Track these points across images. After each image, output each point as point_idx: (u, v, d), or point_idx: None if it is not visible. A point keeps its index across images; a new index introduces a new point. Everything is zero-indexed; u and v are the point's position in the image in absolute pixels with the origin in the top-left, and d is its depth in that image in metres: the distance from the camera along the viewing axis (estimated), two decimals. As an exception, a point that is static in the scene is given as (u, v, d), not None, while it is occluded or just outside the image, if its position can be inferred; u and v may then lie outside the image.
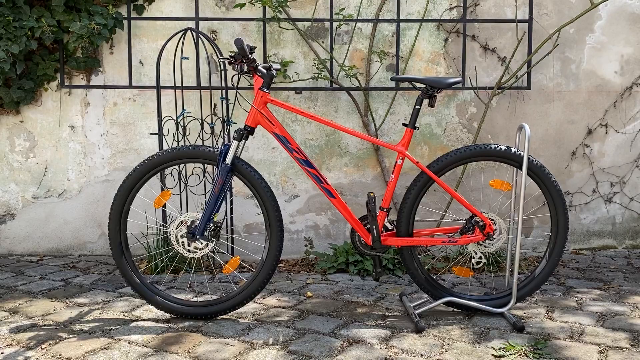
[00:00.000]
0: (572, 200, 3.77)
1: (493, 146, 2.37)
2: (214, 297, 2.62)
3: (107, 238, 3.66)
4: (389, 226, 2.43)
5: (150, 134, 3.33)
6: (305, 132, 3.63)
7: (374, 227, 2.33)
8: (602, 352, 2.06)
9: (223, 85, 3.35)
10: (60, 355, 2.05)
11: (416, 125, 2.39)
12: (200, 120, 3.24)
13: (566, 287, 2.88)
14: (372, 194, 2.35)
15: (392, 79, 2.43)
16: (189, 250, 2.35)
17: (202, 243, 2.34)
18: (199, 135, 3.24)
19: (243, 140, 2.33)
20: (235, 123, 3.36)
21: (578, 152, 3.76)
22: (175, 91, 3.37)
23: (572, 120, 3.73)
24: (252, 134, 2.36)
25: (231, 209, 3.39)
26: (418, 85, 2.37)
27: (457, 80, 2.36)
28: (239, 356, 2.03)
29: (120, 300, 2.67)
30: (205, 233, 2.32)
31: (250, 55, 2.24)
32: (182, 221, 2.35)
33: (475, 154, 2.35)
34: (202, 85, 3.44)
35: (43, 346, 2.13)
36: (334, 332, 2.25)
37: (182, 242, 2.34)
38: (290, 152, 2.37)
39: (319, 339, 2.17)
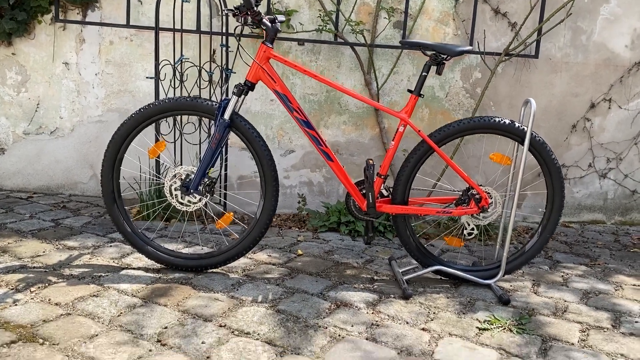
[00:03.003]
0: (567, 174, 3.77)
1: (497, 119, 2.33)
2: (206, 249, 2.62)
3: (98, 179, 3.63)
4: (385, 192, 2.41)
5: (147, 77, 3.24)
6: (306, 87, 3.56)
7: (370, 194, 2.31)
8: (584, 331, 2.10)
9: (224, 31, 3.24)
10: (49, 299, 2.05)
11: (421, 92, 2.33)
12: (198, 67, 3.15)
13: (553, 261, 2.91)
14: (370, 161, 2.32)
15: (400, 43, 2.35)
16: (182, 203, 2.33)
17: (195, 197, 2.31)
18: (196, 83, 3.16)
19: (243, 96, 2.27)
20: (235, 72, 3.27)
21: (579, 125, 3.72)
22: (174, 34, 3.26)
23: (577, 92, 3.68)
24: (252, 90, 2.30)
25: (226, 165, 3.36)
26: (427, 51, 2.29)
27: (468, 49, 2.29)
28: (228, 312, 2.04)
29: (111, 246, 2.67)
30: (199, 188, 2.29)
31: (255, 8, 2.15)
32: (176, 174, 2.31)
33: (478, 126, 2.31)
34: (202, 29, 3.33)
35: (32, 289, 2.13)
36: (323, 294, 2.27)
37: (176, 195, 2.32)
38: (291, 111, 2.32)
39: (308, 300, 2.19)
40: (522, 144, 2.33)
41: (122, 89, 3.57)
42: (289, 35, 3.44)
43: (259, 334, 1.90)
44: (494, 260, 2.58)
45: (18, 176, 3.65)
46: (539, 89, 3.63)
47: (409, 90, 2.34)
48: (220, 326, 1.94)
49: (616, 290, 2.54)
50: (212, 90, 3.22)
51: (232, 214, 2.40)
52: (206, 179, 2.30)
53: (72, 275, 2.30)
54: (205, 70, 3.17)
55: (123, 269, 2.41)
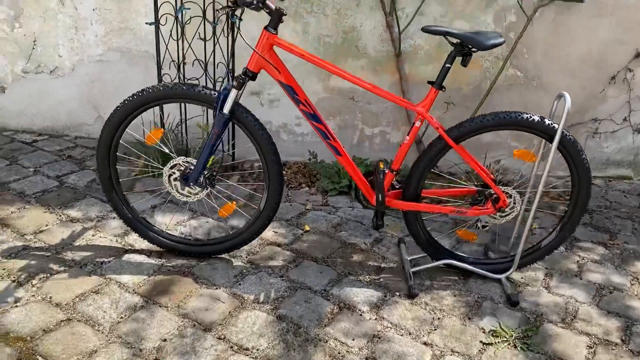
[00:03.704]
0: (598, 128, 3.51)
1: (525, 116, 2.10)
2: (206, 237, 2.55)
3: (104, 121, 3.49)
4: (396, 185, 2.26)
5: (147, 23, 2.96)
6: (320, 27, 3.25)
7: (380, 194, 2.16)
8: (591, 347, 2.05)
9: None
10: (50, 298, 2.05)
11: (443, 85, 2.08)
12: (202, 9, 2.83)
13: (570, 238, 2.80)
14: (381, 165, 2.15)
15: (422, 30, 2.05)
16: (181, 194, 2.22)
17: (195, 189, 2.20)
18: (197, 33, 2.88)
19: (244, 87, 2.05)
20: (242, 20, 2.97)
21: (619, 76, 3.39)
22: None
23: (622, 40, 3.30)
24: (254, 79, 2.07)
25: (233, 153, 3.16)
26: (452, 40, 2.01)
27: (501, 42, 1.99)
28: (229, 318, 2.03)
29: (114, 218, 2.62)
30: (200, 180, 2.17)
31: (256, 1, 1.86)
32: (175, 164, 2.18)
33: (503, 123, 2.09)
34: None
35: (34, 282, 2.13)
36: (326, 290, 2.23)
37: (175, 185, 2.20)
38: (297, 103, 2.11)
39: (310, 300, 2.16)
40: (551, 142, 2.12)
41: (123, 26, 3.30)
42: (302, -28, 3.07)
43: (258, 350, 1.89)
44: (507, 250, 2.48)
45: (22, 116, 3.53)
46: (579, 35, 3.26)
47: (429, 82, 2.09)
48: (220, 339, 1.93)
49: (632, 284, 2.45)
50: (215, 43, 2.95)
51: (234, 203, 2.30)
52: (206, 171, 2.17)
53: (74, 261, 2.28)
54: (208, 21, 2.88)
55: (126, 251, 2.38)
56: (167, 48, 2.92)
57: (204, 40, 2.91)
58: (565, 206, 2.32)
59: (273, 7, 1.96)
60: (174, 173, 2.19)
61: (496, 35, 2.00)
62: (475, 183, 2.29)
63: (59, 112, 3.51)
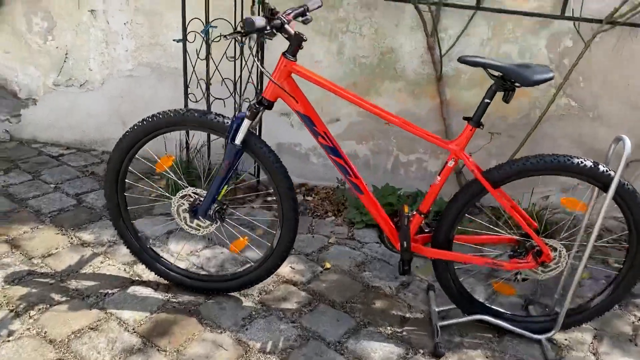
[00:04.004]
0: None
1: (575, 161, 1.83)
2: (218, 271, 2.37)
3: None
4: (425, 228, 2.03)
5: (174, 40, 2.84)
6: (357, 47, 3.05)
7: (404, 241, 1.94)
8: None
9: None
10: (45, 332, 1.93)
11: (481, 122, 1.84)
12: (226, 37, 2.70)
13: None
14: (406, 209, 1.92)
15: (459, 60, 1.82)
16: (190, 226, 2.07)
17: (205, 222, 2.04)
18: (225, 55, 2.74)
19: (259, 117, 1.87)
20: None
21: (689, 110, 3.03)
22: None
23: (694, 69, 2.95)
24: (270, 108, 1.90)
25: (259, 133, 2.99)
26: (493, 72, 1.77)
27: (549, 77, 1.74)
28: (230, 369, 1.84)
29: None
30: (209, 213, 2.01)
31: (269, 28, 1.68)
32: (185, 195, 2.03)
33: (550, 168, 1.83)
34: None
35: (32, 313, 2.01)
36: (341, 343, 2.01)
37: (184, 217, 2.05)
38: (315, 135, 1.92)
39: (322, 354, 1.95)
40: (605, 191, 1.84)
41: (153, 41, 3.21)
42: (338, -11, 2.89)
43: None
44: (551, 306, 2.20)
45: (52, 129, 3.49)
46: (644, 64, 2.94)
47: (465, 119, 1.86)
48: (217, 395, 1.74)
49: (697, 355, 2.12)
50: (242, 63, 2.80)
51: (246, 238, 2.13)
52: (216, 205, 2.01)
53: (77, 291, 2.15)
54: (237, 41, 2.73)
55: (132, 282, 2.24)
56: (193, 66, 2.79)
57: (234, 59, 2.76)
58: (622, 256, 2.03)
59: (292, 32, 1.78)
60: (183, 204, 2.03)
61: (545, 69, 1.75)
62: (516, 231, 2.03)
63: (88, 126, 3.45)
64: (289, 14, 1.84)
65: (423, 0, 2.81)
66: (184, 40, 2.73)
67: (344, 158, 1.94)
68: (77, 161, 3.28)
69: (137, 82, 3.31)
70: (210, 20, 2.77)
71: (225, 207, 2.01)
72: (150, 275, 2.27)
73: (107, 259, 2.38)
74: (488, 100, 1.80)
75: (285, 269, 2.42)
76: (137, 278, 2.27)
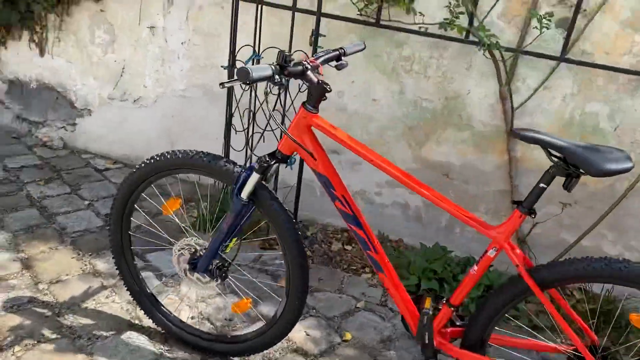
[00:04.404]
0: None
1: (650, 271, 1.43)
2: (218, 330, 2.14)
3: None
4: (457, 321, 1.70)
5: (222, 67, 2.68)
6: (419, 89, 2.75)
7: (427, 334, 1.62)
8: None
9: (317, 9, 2.52)
10: (21, 374, 1.78)
11: (534, 209, 1.49)
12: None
13: None
14: (427, 304, 1.60)
15: (511, 133, 1.49)
16: (190, 279, 1.86)
17: (205, 277, 1.82)
18: (267, 88, 2.54)
19: (273, 169, 1.63)
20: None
21: None
22: (257, 6, 2.58)
23: None
24: (285, 162, 1.65)
25: (301, 168, 2.75)
26: (554, 152, 1.42)
27: (627, 168, 1.37)
28: None
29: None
30: (210, 268, 1.79)
31: (278, 78, 1.44)
32: (186, 245, 1.83)
33: (618, 277, 1.44)
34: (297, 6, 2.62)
35: (16, 349, 1.89)
36: None
37: (184, 268, 1.85)
38: (333, 199, 1.65)
39: None
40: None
41: (208, 63, 3.09)
42: (403, 24, 2.61)
43: None
44: None
45: (103, 141, 3.46)
46: None
47: (515, 203, 1.52)
48: None
49: None
50: (287, 99, 2.58)
51: (249, 300, 1.89)
52: (217, 260, 1.79)
53: (70, 329, 2.01)
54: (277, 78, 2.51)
55: (130, 326, 2.07)
56: (234, 94, 2.62)
57: (278, 94, 2.56)
58: None
59: (315, 80, 1.52)
60: (184, 254, 1.83)
61: (621, 156, 1.38)
62: (565, 341, 1.65)
63: (137, 142, 3.39)
64: (318, 58, 1.60)
65: (500, 45, 2.46)
66: (229, 67, 2.56)
67: (365, 229, 1.65)
68: (119, 177, 3.21)
69: (189, 103, 3.20)
70: (260, 48, 2.60)
71: (227, 264, 1.79)
72: (150, 322, 2.09)
73: (113, 294, 2.23)
74: (544, 186, 1.45)
75: (299, 334, 2.15)
76: (136, 322, 2.10)
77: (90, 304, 2.15)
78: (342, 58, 1.67)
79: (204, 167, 1.72)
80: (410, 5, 2.58)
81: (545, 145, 1.41)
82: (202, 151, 1.73)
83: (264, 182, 1.66)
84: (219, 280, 1.80)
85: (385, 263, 1.68)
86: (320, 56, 1.62)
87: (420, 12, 2.57)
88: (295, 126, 1.59)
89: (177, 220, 1.95)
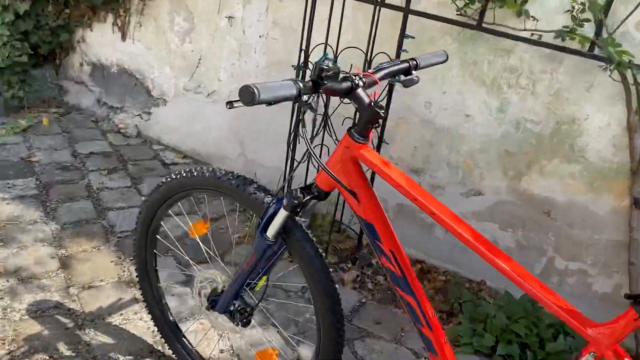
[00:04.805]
0: None
1: None
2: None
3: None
4: None
5: (292, 66, 2.38)
6: (524, 108, 2.29)
7: None
8: None
9: (404, 4, 2.15)
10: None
11: (659, 309, 1.04)
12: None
13: None
14: None
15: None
16: (211, 318, 1.58)
17: (225, 319, 1.54)
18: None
19: (308, 206, 1.30)
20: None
21: None
22: (332, 2, 2.23)
23: None
24: (323, 199, 1.31)
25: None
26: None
27: None
28: None
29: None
30: (231, 309, 1.50)
31: (306, 99, 1.09)
32: (208, 278, 1.55)
33: None
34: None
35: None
36: None
37: (203, 302, 1.57)
38: (380, 253, 1.28)
39: None
40: None
41: (285, 59, 2.80)
42: (510, 29, 2.15)
43: None
44: None
45: (175, 133, 3.32)
46: None
47: (629, 297, 1.06)
48: None
49: None
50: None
51: (276, 350, 1.57)
52: (238, 303, 1.49)
53: (87, 346, 1.83)
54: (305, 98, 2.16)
55: (151, 352, 1.85)
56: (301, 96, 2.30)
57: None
58: None
59: (367, 101, 1.16)
60: (205, 287, 1.56)
61: None
62: None
63: (207, 138, 3.20)
64: (378, 70, 1.24)
65: (633, 65, 1.94)
66: (298, 67, 2.26)
67: (417, 296, 1.27)
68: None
69: (261, 102, 2.94)
70: (339, 48, 2.26)
71: (251, 311, 1.48)
72: (169, 351, 1.85)
73: (142, 310, 2.02)
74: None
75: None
76: (159, 348, 1.87)
77: (115, 319, 1.96)
78: (413, 72, 1.29)
79: (230, 191, 1.42)
80: (522, 7, 2.11)
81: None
82: (232, 172, 1.44)
83: (297, 218, 1.33)
84: (239, 325, 1.51)
85: (441, 345, 1.28)
86: (383, 68, 1.25)
87: (533, 17, 2.09)
88: (336, 157, 1.24)
89: (202, 246, 1.67)
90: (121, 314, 1.99)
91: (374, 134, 1.24)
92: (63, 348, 1.80)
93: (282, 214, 1.29)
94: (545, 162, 2.32)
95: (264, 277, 1.50)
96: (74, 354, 1.79)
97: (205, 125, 3.18)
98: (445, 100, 2.45)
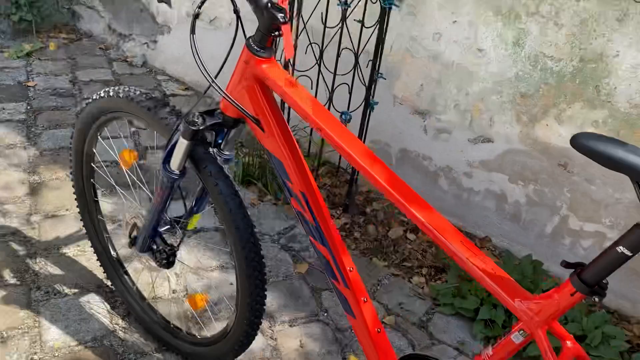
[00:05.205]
0: None
1: None
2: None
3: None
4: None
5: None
6: (544, 42, 1.97)
7: None
8: None
9: None
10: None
11: (605, 283, 0.79)
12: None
13: None
14: None
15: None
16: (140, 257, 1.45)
17: (148, 258, 1.40)
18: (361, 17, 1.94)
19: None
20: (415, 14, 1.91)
21: None
22: None
23: None
24: (233, 127, 1.10)
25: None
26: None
27: None
28: None
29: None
30: (152, 247, 1.36)
31: None
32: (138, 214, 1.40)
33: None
34: None
35: None
36: None
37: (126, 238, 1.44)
38: (289, 194, 1.06)
39: None
40: None
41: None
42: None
43: None
44: None
45: (179, 63, 3.16)
46: None
47: (566, 265, 0.81)
48: None
49: None
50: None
51: (206, 296, 1.43)
52: (159, 242, 1.34)
53: (35, 276, 1.75)
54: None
55: (98, 288, 1.76)
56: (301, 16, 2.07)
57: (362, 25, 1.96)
58: None
59: (264, 1, 0.92)
60: (129, 222, 1.41)
61: None
62: None
63: (210, 68, 3.01)
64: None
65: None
66: None
67: (330, 247, 1.06)
68: (182, 106, 2.88)
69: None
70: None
71: (173, 251, 1.33)
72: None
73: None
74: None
75: (293, 342, 1.67)
76: (107, 283, 1.77)
77: (70, 251, 1.87)
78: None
79: (143, 115, 1.24)
80: None
81: None
82: (147, 92, 1.25)
83: (211, 149, 1.14)
84: (161, 266, 1.36)
85: (359, 304, 1.08)
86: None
87: None
88: (237, 75, 1.03)
89: (133, 177, 1.52)
90: (77, 246, 1.90)
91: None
92: (8, 276, 1.73)
93: (183, 144, 1.10)
94: (565, 106, 2.00)
95: (198, 215, 1.33)
96: (18, 283, 1.72)
97: (207, 54, 2.97)
98: (455, 31, 2.14)
